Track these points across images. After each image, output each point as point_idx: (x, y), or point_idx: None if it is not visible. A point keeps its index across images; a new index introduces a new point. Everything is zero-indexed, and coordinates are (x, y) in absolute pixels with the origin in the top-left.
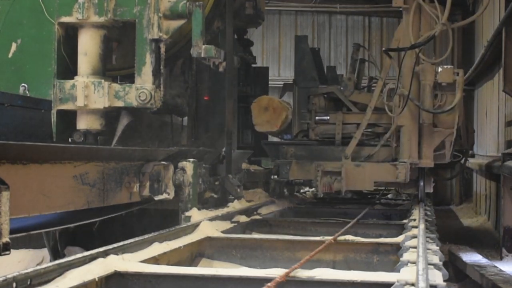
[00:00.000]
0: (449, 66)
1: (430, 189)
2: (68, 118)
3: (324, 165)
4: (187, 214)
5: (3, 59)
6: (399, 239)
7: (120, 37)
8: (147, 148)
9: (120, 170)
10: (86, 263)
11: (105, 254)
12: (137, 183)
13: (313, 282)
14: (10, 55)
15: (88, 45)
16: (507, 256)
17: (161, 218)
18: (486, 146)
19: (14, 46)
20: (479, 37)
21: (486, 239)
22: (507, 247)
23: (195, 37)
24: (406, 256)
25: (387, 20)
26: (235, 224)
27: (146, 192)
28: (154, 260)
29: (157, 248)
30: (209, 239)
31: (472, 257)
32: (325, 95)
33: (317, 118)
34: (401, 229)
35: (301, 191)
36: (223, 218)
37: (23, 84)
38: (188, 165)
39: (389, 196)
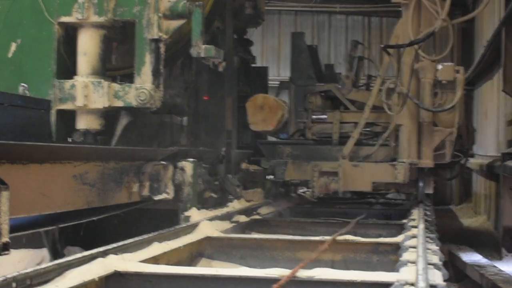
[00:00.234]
0: (449, 64)
1: (430, 190)
2: (68, 118)
3: (321, 165)
4: (186, 214)
5: (3, 59)
6: (398, 239)
7: (120, 37)
8: (147, 148)
9: (119, 170)
10: (86, 263)
11: (105, 254)
12: (137, 183)
13: (313, 282)
14: (10, 55)
15: (88, 45)
16: (507, 256)
17: (161, 218)
18: (486, 146)
19: (14, 46)
20: (479, 37)
21: (486, 239)
22: (507, 247)
23: (195, 37)
24: (405, 256)
25: (387, 20)
26: (235, 224)
27: (145, 192)
28: (154, 260)
29: (157, 248)
30: (208, 239)
31: (472, 257)
32: (322, 94)
33: (314, 117)
34: (401, 229)
35: (300, 191)
36: (222, 218)
37: (22, 84)
38: (187, 165)
39: (389, 196)
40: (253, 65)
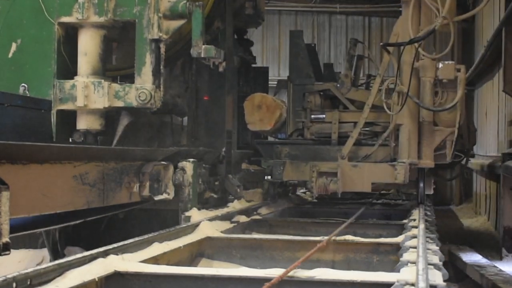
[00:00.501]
0: (450, 62)
1: (430, 191)
2: (68, 118)
3: (319, 166)
4: (187, 214)
5: (3, 59)
6: (399, 239)
7: (120, 37)
8: (147, 148)
9: (120, 170)
10: (86, 263)
11: (105, 254)
12: (137, 183)
13: (313, 282)
14: (10, 55)
15: (88, 45)
16: (507, 256)
17: (161, 218)
18: (486, 146)
19: (14, 46)
20: (479, 37)
21: (486, 239)
22: (507, 247)
23: (195, 37)
24: (406, 256)
25: (387, 20)
26: (235, 224)
27: (146, 192)
28: (154, 260)
29: (157, 248)
30: (209, 239)
31: (472, 257)
32: (321, 93)
33: (312, 116)
34: (401, 229)
35: (301, 191)
36: (223, 218)
37: (23, 84)
38: (188, 165)
39: (390, 195)
40: (253, 65)
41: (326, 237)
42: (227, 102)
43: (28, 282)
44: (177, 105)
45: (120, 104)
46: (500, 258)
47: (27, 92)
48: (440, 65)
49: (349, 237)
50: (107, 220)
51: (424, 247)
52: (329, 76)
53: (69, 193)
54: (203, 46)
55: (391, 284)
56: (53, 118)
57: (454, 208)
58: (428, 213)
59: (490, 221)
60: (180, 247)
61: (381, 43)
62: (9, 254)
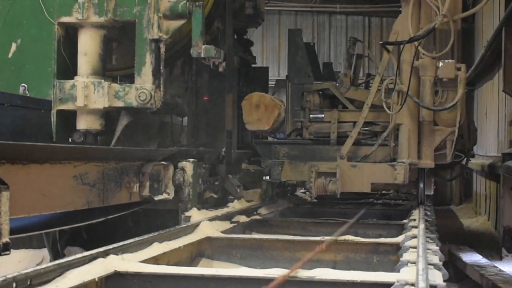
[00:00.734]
0: (450, 61)
1: (430, 191)
2: (68, 118)
3: (318, 166)
4: (187, 214)
5: (3, 59)
6: (399, 239)
7: (120, 37)
8: (147, 148)
9: (120, 170)
10: (86, 263)
11: (105, 254)
12: (137, 183)
13: (313, 282)
14: (10, 55)
15: (88, 45)
16: (507, 256)
17: (161, 218)
18: (486, 146)
19: (14, 46)
20: (479, 37)
21: (486, 239)
22: (507, 247)
23: (195, 37)
24: (406, 256)
25: (387, 20)
26: (235, 224)
27: (146, 192)
28: (154, 260)
29: (157, 248)
30: (209, 239)
31: (472, 257)
32: (320, 92)
33: (311, 116)
34: (401, 229)
35: (301, 191)
36: (223, 218)
37: (23, 84)
38: (188, 165)
39: (390, 195)
40: (253, 65)
41: (326, 237)
42: (227, 102)
43: (28, 282)
44: (177, 105)
45: (120, 104)
46: (500, 258)
47: (27, 92)
48: (440, 64)
49: (349, 237)
50: (107, 220)
51: (424, 247)
52: (328, 75)
53: (69, 193)
54: (203, 46)
55: (391, 284)
56: (53, 118)
57: (454, 208)
58: (428, 213)
59: (490, 221)
60: (180, 247)
61: (381, 42)
62: (9, 254)
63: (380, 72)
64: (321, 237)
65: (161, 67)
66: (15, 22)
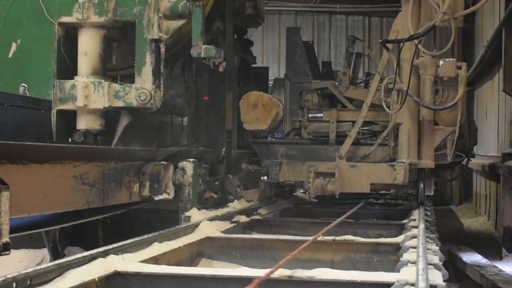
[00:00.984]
0: (451, 59)
1: (430, 192)
2: (68, 118)
3: (317, 166)
4: (187, 214)
5: (3, 59)
6: (399, 239)
7: (120, 37)
8: (147, 148)
9: (120, 170)
10: (86, 263)
11: (105, 254)
12: (137, 183)
13: (313, 282)
14: (10, 55)
15: (88, 45)
16: (507, 256)
17: (161, 218)
18: (486, 146)
19: (14, 46)
20: (479, 37)
21: (486, 239)
22: (507, 247)
23: (195, 37)
24: (406, 256)
25: (387, 20)
26: (235, 224)
27: (146, 192)
28: (154, 260)
29: (157, 248)
30: (209, 239)
31: (472, 257)
32: (319, 91)
33: (310, 115)
34: (401, 229)
35: (300, 191)
36: (223, 218)
37: (23, 84)
38: (188, 165)
39: (390, 195)
40: (253, 65)
41: (326, 237)
42: (227, 102)
43: (28, 282)
44: (177, 105)
45: (120, 104)
46: (500, 258)
47: (27, 92)
48: (441, 62)
49: (349, 237)
50: (107, 220)
51: (424, 247)
52: (327, 74)
53: (69, 193)
54: (203, 46)
55: (391, 284)
56: (53, 118)
57: (454, 208)
58: (428, 213)
59: (490, 221)
60: (180, 247)
61: (380, 40)
62: (9, 254)
63: (379, 71)
64: (321, 237)
65: (161, 67)
66: (15, 22)
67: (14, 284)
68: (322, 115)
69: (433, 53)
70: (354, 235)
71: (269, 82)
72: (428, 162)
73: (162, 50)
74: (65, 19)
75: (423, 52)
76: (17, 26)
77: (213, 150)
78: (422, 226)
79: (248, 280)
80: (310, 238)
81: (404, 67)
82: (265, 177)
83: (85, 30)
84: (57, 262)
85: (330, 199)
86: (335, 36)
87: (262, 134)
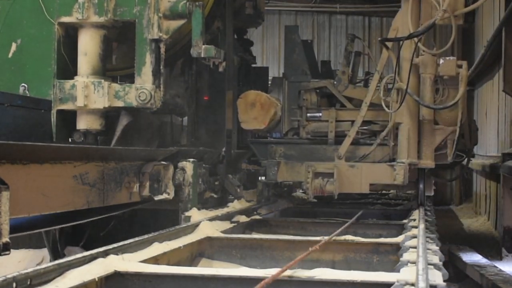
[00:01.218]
0: (451, 58)
1: (430, 192)
2: (68, 118)
3: (315, 166)
4: (187, 214)
5: (3, 59)
6: (399, 239)
7: (120, 37)
8: (147, 148)
9: (120, 170)
10: (86, 263)
11: (105, 254)
12: (137, 183)
13: (313, 282)
14: (10, 55)
15: (88, 45)
16: (507, 256)
17: (161, 218)
18: (486, 146)
19: (14, 46)
20: (479, 37)
21: (486, 239)
22: (507, 247)
23: (195, 37)
24: (406, 256)
25: (387, 20)
26: (235, 224)
27: (146, 192)
28: (154, 260)
29: (157, 248)
30: (209, 239)
31: (472, 257)
32: (317, 90)
33: (308, 115)
34: (401, 229)
35: (300, 191)
36: (223, 218)
37: (23, 84)
38: (188, 165)
39: (390, 195)
40: (253, 65)
41: (326, 237)
42: (227, 102)
43: (28, 282)
44: (177, 105)
45: (120, 104)
46: (500, 258)
47: (27, 92)
48: (441, 61)
49: (349, 237)
50: (107, 220)
51: (424, 247)
52: (326, 73)
53: (69, 193)
54: (203, 46)
55: (391, 284)
56: (53, 118)
57: (454, 208)
58: (428, 213)
59: (490, 221)
60: (180, 247)
61: (380, 38)
62: (9, 254)
63: (379, 70)
64: (321, 237)
65: (161, 67)
66: (15, 22)
67: (14, 284)
68: (320, 114)
69: (433, 52)
70: (354, 235)
71: (269, 82)
72: (428, 162)
73: (162, 50)
74: (65, 19)
75: (423, 51)
76: (17, 26)
77: (213, 150)
78: (422, 226)
79: (248, 280)
80: (310, 238)
81: (404, 66)
82: (263, 178)
83: (85, 30)
84: (57, 262)
85: (330, 199)
86: (335, 36)
87: (260, 133)
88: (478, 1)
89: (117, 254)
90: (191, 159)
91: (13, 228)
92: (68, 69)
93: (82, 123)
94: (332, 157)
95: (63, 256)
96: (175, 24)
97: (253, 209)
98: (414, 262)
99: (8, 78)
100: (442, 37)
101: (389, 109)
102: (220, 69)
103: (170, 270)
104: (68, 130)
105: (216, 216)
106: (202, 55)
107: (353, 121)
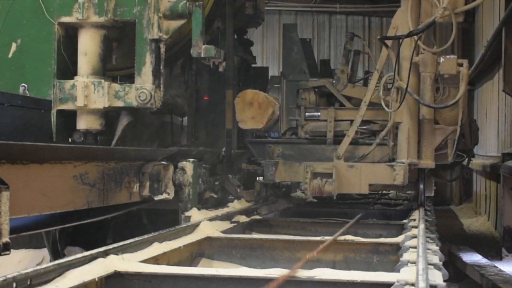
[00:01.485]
0: (452, 56)
1: (431, 192)
2: (68, 118)
3: (314, 166)
4: (187, 214)
5: (3, 59)
6: (399, 239)
7: (120, 37)
8: (147, 148)
9: (120, 170)
10: (86, 263)
11: (105, 254)
12: (137, 183)
13: (313, 282)
14: (10, 55)
15: (88, 45)
16: (507, 256)
17: (161, 218)
18: (486, 146)
19: (14, 46)
20: (479, 37)
21: (486, 239)
22: (507, 247)
23: (195, 37)
24: (406, 256)
25: (387, 20)
26: (235, 224)
27: (146, 192)
28: (154, 260)
29: (157, 248)
30: (209, 239)
31: (472, 257)
32: (316, 89)
33: (307, 114)
34: (401, 229)
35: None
36: (223, 218)
37: (23, 84)
38: (188, 165)
39: (390, 195)
40: (253, 65)
41: (326, 237)
42: (227, 102)
43: (28, 282)
44: (177, 105)
45: (120, 104)
46: (500, 258)
47: (27, 92)
48: (442, 59)
49: (349, 237)
50: (107, 220)
51: (424, 247)
52: (325, 72)
53: (69, 193)
54: (203, 46)
55: (391, 284)
56: (53, 118)
57: (454, 208)
58: (428, 213)
59: (490, 221)
60: (180, 247)
61: (379, 37)
62: (9, 254)
63: (378, 69)
64: (321, 237)
65: (161, 67)
66: (15, 22)
67: (14, 284)
68: (319, 114)
69: (433, 50)
70: (354, 235)
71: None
72: (428, 162)
73: (162, 50)
74: (65, 19)
75: (423, 49)
76: (17, 26)
77: (213, 150)
78: (422, 226)
79: (248, 280)
80: (311, 238)
81: (404, 65)
82: (261, 178)
83: (85, 30)
84: (57, 262)
85: (329, 199)
86: (335, 36)
87: (257, 133)
88: (477, 8)
89: (117, 254)
90: (191, 159)
91: (13, 228)
92: (68, 69)
93: (82, 123)
94: (331, 157)
95: (63, 256)
96: (175, 24)
97: (253, 209)
98: (414, 262)
99: (8, 78)
100: (442, 36)
101: (388, 108)
102: (220, 69)
103: (170, 270)
104: (68, 130)
105: (216, 216)
106: (202, 55)
107: (352, 121)
